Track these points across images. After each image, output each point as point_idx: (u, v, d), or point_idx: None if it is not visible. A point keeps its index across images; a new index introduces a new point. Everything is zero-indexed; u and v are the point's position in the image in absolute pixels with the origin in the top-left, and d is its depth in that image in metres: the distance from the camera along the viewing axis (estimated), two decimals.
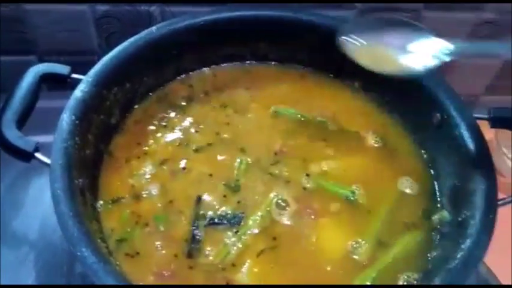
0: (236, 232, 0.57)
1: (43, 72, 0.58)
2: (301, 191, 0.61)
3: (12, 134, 0.53)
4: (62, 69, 0.59)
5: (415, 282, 0.55)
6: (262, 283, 0.54)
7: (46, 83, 0.59)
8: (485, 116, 0.62)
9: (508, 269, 0.77)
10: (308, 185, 0.62)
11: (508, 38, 0.93)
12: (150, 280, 0.53)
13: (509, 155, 0.86)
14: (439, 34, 0.90)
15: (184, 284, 0.53)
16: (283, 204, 0.60)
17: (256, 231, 0.57)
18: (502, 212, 0.56)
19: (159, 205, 0.59)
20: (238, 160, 0.63)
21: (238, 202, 0.60)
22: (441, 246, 0.57)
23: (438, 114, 0.63)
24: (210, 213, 0.59)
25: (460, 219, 0.56)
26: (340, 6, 0.84)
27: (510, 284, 0.74)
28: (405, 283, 0.55)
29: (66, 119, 0.55)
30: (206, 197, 0.60)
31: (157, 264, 0.55)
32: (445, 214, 0.60)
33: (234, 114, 0.68)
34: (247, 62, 0.74)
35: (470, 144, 0.59)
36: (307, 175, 0.63)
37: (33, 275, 0.64)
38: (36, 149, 0.53)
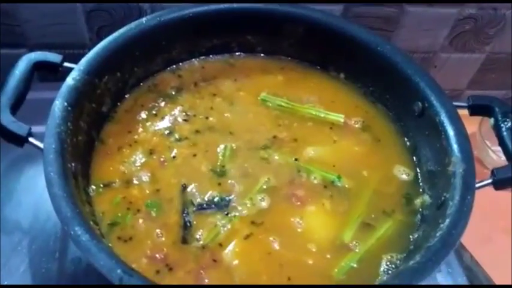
0: (227, 214, 0.59)
1: (36, 60, 0.59)
2: (289, 176, 0.63)
3: (6, 119, 0.54)
4: (55, 57, 0.61)
5: (398, 262, 0.57)
6: (247, 262, 0.56)
7: (39, 71, 0.60)
8: (465, 104, 0.65)
9: (491, 257, 0.79)
10: (296, 170, 0.64)
11: (487, 33, 0.97)
12: (144, 262, 0.55)
13: (493, 148, 0.88)
14: (422, 29, 0.93)
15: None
16: (271, 188, 0.62)
17: (245, 213, 0.59)
18: (485, 202, 0.58)
19: (149, 192, 0.61)
20: (222, 146, 0.65)
21: (225, 186, 0.61)
22: (422, 228, 0.59)
23: (419, 103, 0.65)
24: (198, 199, 0.60)
25: (439, 201, 0.58)
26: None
27: (501, 283, 0.76)
28: (388, 263, 0.57)
29: (58, 105, 0.56)
30: (194, 183, 0.61)
31: (150, 248, 0.56)
32: (426, 198, 0.62)
33: (223, 103, 0.70)
34: (236, 53, 0.76)
35: (450, 131, 0.61)
36: (296, 160, 0.65)
37: (26, 261, 0.65)
38: (30, 134, 0.54)
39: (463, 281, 0.71)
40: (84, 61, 0.61)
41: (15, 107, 0.55)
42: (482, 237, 0.83)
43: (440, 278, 0.69)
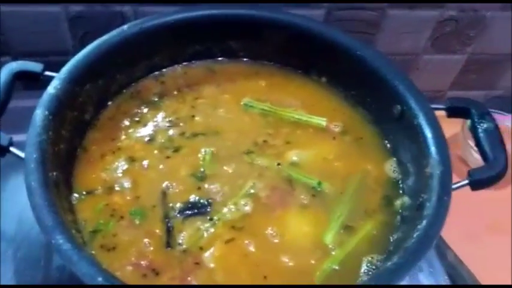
0: (210, 219, 0.60)
1: (17, 70, 0.60)
2: (272, 180, 0.64)
3: None
4: (35, 66, 0.61)
5: (378, 263, 0.58)
6: (228, 266, 0.57)
7: (20, 80, 0.60)
8: (443, 106, 0.66)
9: (475, 255, 0.80)
10: (278, 175, 0.65)
11: (468, 34, 0.98)
12: (129, 270, 0.55)
13: (475, 148, 0.89)
14: (403, 32, 0.95)
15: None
16: (253, 193, 0.62)
17: (228, 217, 0.60)
18: (469, 199, 0.60)
19: (131, 198, 0.61)
20: (203, 151, 0.66)
21: (205, 191, 0.62)
22: (402, 228, 0.60)
23: (399, 106, 0.66)
24: (178, 203, 0.61)
25: (418, 202, 0.59)
26: (307, 5, 0.87)
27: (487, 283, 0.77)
28: (369, 264, 0.58)
29: (39, 114, 0.56)
30: (174, 189, 0.62)
31: (135, 256, 0.56)
32: (406, 199, 0.63)
33: (206, 109, 0.71)
34: (219, 59, 0.77)
35: (428, 133, 0.62)
36: (278, 164, 0.65)
37: (12, 270, 0.65)
38: (11, 143, 0.54)
39: (445, 280, 0.72)
40: (65, 69, 0.61)
41: None
42: (466, 235, 0.84)
43: (422, 278, 0.71)
